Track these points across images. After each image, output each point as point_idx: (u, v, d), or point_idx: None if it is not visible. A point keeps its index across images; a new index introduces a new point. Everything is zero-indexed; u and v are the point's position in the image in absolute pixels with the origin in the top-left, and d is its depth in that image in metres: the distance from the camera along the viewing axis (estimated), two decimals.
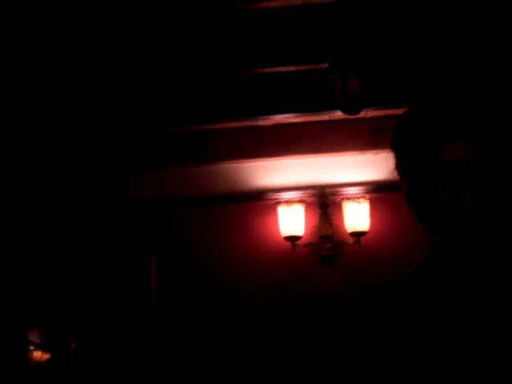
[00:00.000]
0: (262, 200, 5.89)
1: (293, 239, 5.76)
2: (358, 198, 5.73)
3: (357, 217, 5.72)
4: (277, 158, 5.31)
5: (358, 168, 5.57)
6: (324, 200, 5.87)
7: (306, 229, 5.80)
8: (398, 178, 1.75)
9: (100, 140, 5.21)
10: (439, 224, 1.68)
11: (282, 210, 5.76)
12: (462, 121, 1.68)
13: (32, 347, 5.90)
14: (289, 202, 5.77)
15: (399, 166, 1.74)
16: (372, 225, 5.74)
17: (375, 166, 5.42)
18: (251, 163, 5.40)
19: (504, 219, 1.70)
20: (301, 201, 5.80)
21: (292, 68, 4.70)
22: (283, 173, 5.57)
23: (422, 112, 1.71)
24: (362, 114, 4.74)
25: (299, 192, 5.84)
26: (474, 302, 1.60)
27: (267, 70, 4.71)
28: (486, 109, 1.74)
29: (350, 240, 5.79)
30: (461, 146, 1.65)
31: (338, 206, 5.81)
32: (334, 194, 5.87)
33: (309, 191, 5.86)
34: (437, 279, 1.72)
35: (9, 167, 5.27)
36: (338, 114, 4.82)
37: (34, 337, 5.91)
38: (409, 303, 1.76)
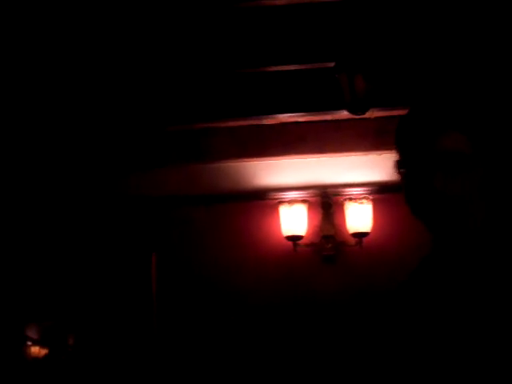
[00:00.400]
0: (265, 199, 5.87)
1: (294, 239, 5.73)
2: (361, 198, 5.71)
3: (359, 217, 5.70)
4: (280, 158, 5.27)
5: (361, 168, 5.53)
6: (326, 200, 5.85)
7: (308, 229, 5.78)
8: (397, 174, 1.73)
9: (101, 138, 5.18)
10: (433, 216, 1.65)
11: (284, 210, 5.74)
12: (463, 112, 1.66)
13: (30, 343, 5.89)
14: (291, 201, 5.75)
15: (400, 160, 1.71)
16: (374, 226, 5.72)
17: (378, 166, 5.39)
18: (254, 162, 5.36)
19: (502, 219, 1.67)
20: (303, 200, 5.78)
21: (297, 67, 4.67)
22: (286, 172, 5.54)
23: (424, 104, 1.71)
24: (368, 115, 4.71)
25: (302, 192, 5.83)
26: (471, 303, 1.58)
27: (272, 68, 4.68)
28: (489, 104, 1.74)
29: (352, 240, 5.77)
30: (461, 137, 1.63)
31: (341, 207, 5.79)
32: (337, 194, 5.86)
33: (311, 191, 5.84)
34: (433, 280, 1.70)
35: (8, 165, 5.25)
36: (343, 114, 4.79)
37: (31, 332, 5.90)
38: (404, 305, 1.74)
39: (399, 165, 1.71)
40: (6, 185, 5.38)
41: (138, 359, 5.67)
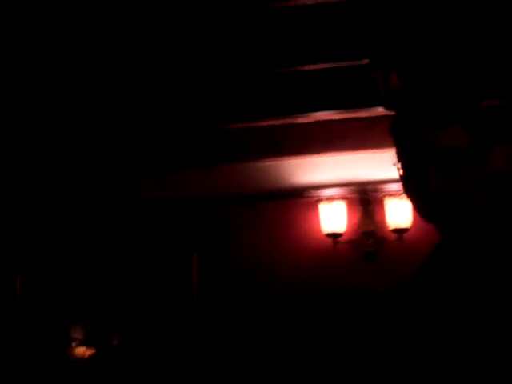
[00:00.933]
0: (304, 197, 5.87)
1: (334, 236, 5.73)
2: (400, 194, 5.68)
3: (399, 213, 5.66)
4: (318, 155, 5.28)
5: None
6: (366, 197, 5.83)
7: (347, 226, 5.76)
8: (396, 168, 1.73)
9: (145, 138, 5.24)
10: (431, 211, 1.66)
11: (323, 207, 5.74)
12: (461, 107, 1.65)
13: (74, 343, 5.94)
14: (330, 199, 5.75)
15: (397, 154, 1.72)
16: (414, 221, 5.68)
17: None
18: (292, 160, 5.38)
19: (506, 215, 1.66)
20: (342, 198, 5.77)
21: (332, 65, 4.67)
22: (324, 170, 5.54)
23: (423, 97, 1.69)
24: None
25: (341, 189, 5.82)
26: (474, 301, 1.57)
27: (309, 67, 4.69)
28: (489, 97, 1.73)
29: (392, 236, 5.74)
30: (461, 131, 1.61)
31: (380, 203, 5.77)
32: (376, 190, 5.83)
33: (350, 188, 5.82)
34: (437, 278, 1.71)
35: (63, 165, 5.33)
36: (379, 111, 4.79)
37: (76, 333, 5.96)
38: (410, 304, 1.76)
39: (397, 158, 1.71)
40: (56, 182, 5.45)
41: (181, 357, 5.71)
